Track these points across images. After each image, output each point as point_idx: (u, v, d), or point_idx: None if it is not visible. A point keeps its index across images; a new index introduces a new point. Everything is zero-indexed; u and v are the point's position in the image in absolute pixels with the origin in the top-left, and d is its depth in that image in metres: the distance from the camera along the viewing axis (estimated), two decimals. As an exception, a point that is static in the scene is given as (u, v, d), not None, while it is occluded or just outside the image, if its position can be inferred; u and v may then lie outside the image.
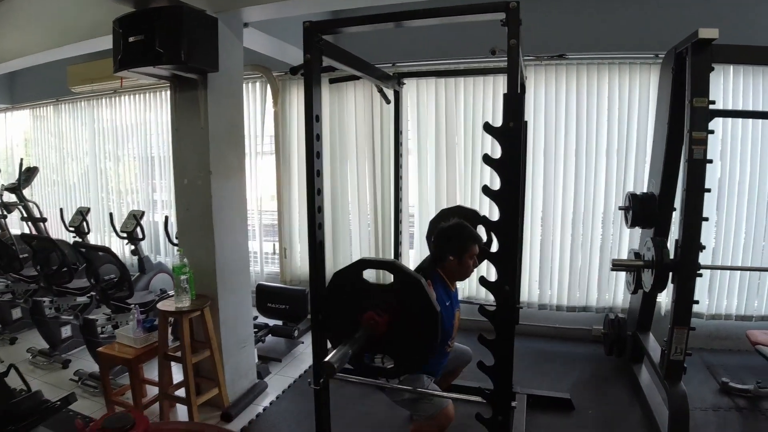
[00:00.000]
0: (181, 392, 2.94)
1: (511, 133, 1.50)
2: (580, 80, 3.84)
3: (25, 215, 5.15)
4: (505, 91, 1.50)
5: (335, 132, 4.54)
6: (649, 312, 3.38)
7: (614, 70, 3.77)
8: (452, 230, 2.33)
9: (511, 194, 1.53)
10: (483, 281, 1.61)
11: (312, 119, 1.76)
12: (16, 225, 5.73)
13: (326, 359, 1.45)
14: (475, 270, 2.35)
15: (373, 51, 4.11)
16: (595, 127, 3.86)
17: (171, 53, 2.40)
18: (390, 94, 3.12)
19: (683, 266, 2.68)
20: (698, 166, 2.61)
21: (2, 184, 5.34)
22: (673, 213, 3.11)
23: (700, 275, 2.70)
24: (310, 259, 1.83)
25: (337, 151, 4.57)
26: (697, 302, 2.74)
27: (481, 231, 2.52)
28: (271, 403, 3.15)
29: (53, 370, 3.65)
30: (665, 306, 3.75)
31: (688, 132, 2.64)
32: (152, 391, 3.10)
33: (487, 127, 1.55)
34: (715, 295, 3.79)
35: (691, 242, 2.67)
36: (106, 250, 3.37)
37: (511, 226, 1.54)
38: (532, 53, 3.79)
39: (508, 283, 1.56)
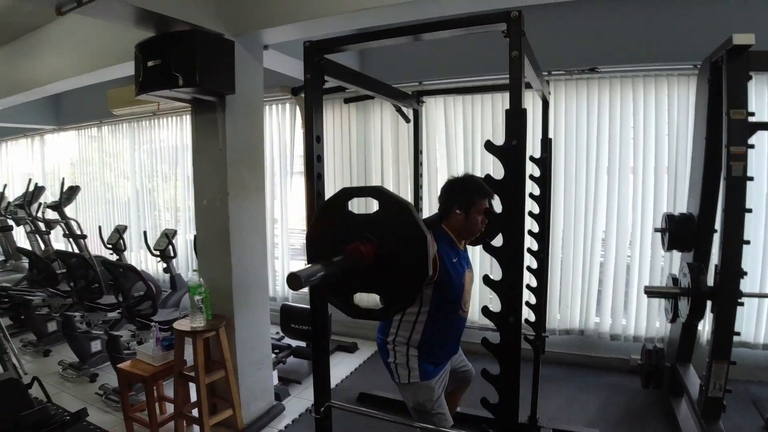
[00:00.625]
0: (197, 411, 2.92)
1: (514, 152, 1.40)
2: (613, 94, 3.67)
3: (67, 232, 5.36)
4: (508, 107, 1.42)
5: (361, 151, 4.52)
6: (689, 342, 3.14)
7: (650, 82, 3.58)
8: (458, 181, 2.16)
9: (514, 218, 1.43)
10: (486, 312, 1.51)
11: (312, 140, 1.72)
12: (59, 242, 5.99)
13: (293, 270, 1.27)
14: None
15: (396, 70, 4.12)
16: (630, 143, 3.67)
17: (186, 77, 2.43)
18: (410, 113, 3.07)
19: (722, 294, 2.48)
20: (737, 184, 2.43)
21: (45, 202, 5.59)
22: (715, 235, 2.89)
23: (741, 304, 2.49)
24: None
25: (363, 170, 4.54)
26: (738, 334, 2.53)
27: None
28: (286, 427, 3.09)
29: (81, 384, 3.73)
30: (706, 334, 3.47)
31: (726, 147, 2.46)
32: (171, 408, 3.11)
33: (489, 146, 1.46)
34: (763, 323, 3.48)
35: (731, 267, 2.47)
36: (131, 268, 3.44)
37: (514, 252, 1.43)
38: (562, 67, 3.66)
39: (513, 314, 1.45)
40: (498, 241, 1.45)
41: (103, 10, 2.34)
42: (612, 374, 3.74)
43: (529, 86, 1.43)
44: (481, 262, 3.92)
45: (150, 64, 2.50)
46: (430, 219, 2.22)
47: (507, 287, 1.45)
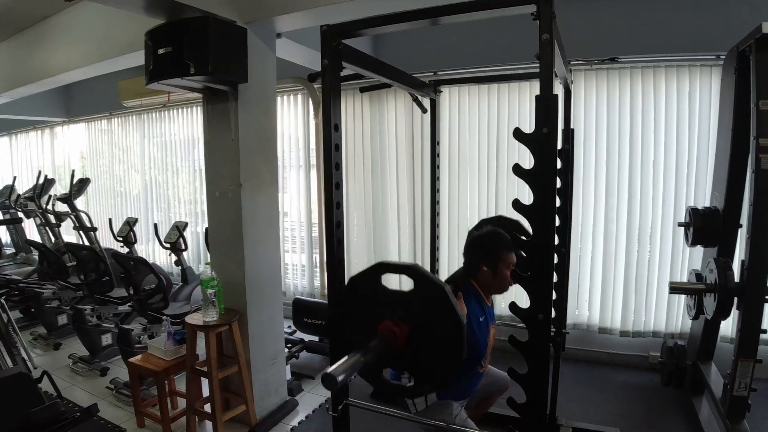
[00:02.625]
0: (210, 407, 2.89)
1: (545, 140, 1.33)
2: (634, 85, 3.56)
3: (77, 225, 5.34)
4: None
5: (376, 142, 4.45)
6: (711, 339, 3.05)
7: (671, 73, 3.48)
8: (484, 238, 2.13)
9: (544, 210, 1.36)
10: (513, 308, 1.44)
11: (330, 128, 1.66)
12: (69, 234, 5.98)
13: (329, 369, 1.26)
14: (510, 290, 2.15)
15: (413, 60, 4.04)
16: (651, 135, 3.56)
17: (198, 64, 2.37)
18: (426, 102, 2.99)
19: (750, 291, 2.40)
20: (767, 177, 2.35)
21: (55, 195, 5.58)
22: (739, 230, 2.80)
23: (768, 301, 2.42)
24: (328, 273, 1.73)
25: (378, 161, 4.47)
26: (764, 331, 2.45)
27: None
28: (300, 423, 3.05)
29: (91, 378, 3.70)
30: (729, 332, 3.37)
31: (755, 139, 2.39)
32: (183, 403, 3.07)
33: (518, 134, 1.39)
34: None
35: (759, 263, 2.39)
36: (141, 261, 3.40)
37: (544, 246, 1.36)
38: (582, 57, 3.56)
39: (542, 311, 1.39)
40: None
41: (113, -3, 2.29)
42: (630, 371, 3.66)
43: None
44: None
45: (161, 52, 2.43)
46: (457, 274, 2.23)
47: (537, 283, 1.38)
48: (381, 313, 1.42)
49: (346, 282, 1.81)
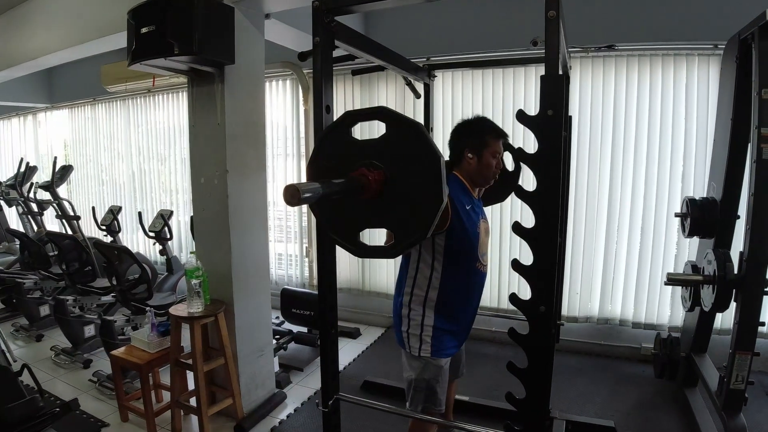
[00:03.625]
0: (195, 400, 2.80)
1: (550, 122, 1.26)
2: (630, 73, 3.50)
3: (59, 213, 5.19)
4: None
5: (365, 127, 4.34)
6: (706, 332, 3.02)
7: (668, 62, 3.42)
8: (469, 123, 2.00)
9: (549, 197, 1.29)
10: (513, 299, 1.37)
11: (321, 110, 1.57)
12: (52, 223, 5.83)
13: (292, 183, 1.10)
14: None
15: (406, 45, 3.94)
16: (647, 124, 3.51)
17: (182, 44, 2.25)
18: (420, 87, 2.91)
19: (749, 283, 2.36)
20: (768, 168, 2.29)
21: (37, 182, 5.41)
22: (737, 221, 2.76)
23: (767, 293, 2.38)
24: (318, 263, 1.65)
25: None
26: (763, 324, 2.43)
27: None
28: (288, 416, 2.98)
29: (74, 370, 3.60)
30: (720, 324, 3.35)
31: (756, 128, 2.33)
32: (168, 396, 2.98)
33: (521, 116, 1.31)
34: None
35: (759, 255, 2.35)
36: (125, 250, 3.29)
37: (548, 235, 1.29)
38: (578, 44, 3.48)
39: (544, 303, 1.32)
40: (530, 222, 1.31)
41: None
42: (623, 363, 3.64)
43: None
44: (511, 246, 3.78)
45: (143, 31, 2.32)
46: None
47: (539, 273, 1.32)
48: (354, 164, 1.27)
49: (335, 274, 1.74)
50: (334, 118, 1.51)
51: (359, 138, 1.32)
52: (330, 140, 1.37)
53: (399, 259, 2.00)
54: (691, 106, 3.40)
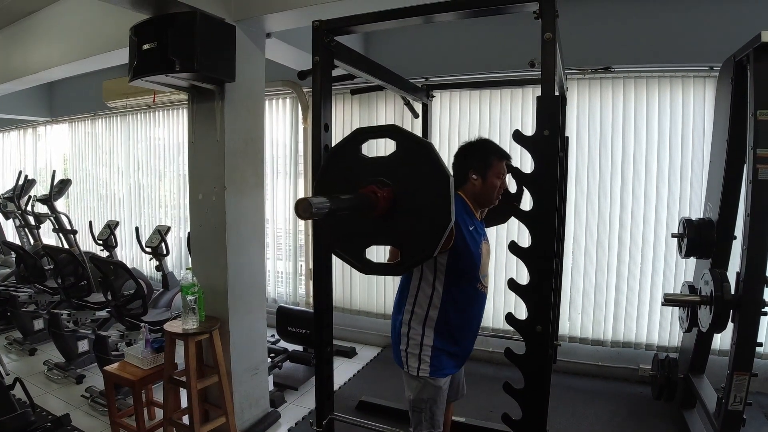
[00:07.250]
0: (188, 418, 2.76)
1: (547, 143, 1.27)
2: (627, 95, 3.55)
3: (56, 227, 5.18)
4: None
5: (364, 147, 4.37)
6: (703, 352, 3.00)
7: (665, 83, 3.46)
8: (475, 144, 2.00)
9: (545, 217, 1.29)
10: (510, 319, 1.37)
11: (320, 128, 1.58)
12: (49, 237, 5.81)
13: (304, 197, 1.11)
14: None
15: (405, 66, 3.98)
16: (644, 145, 3.54)
17: (183, 61, 2.28)
18: (418, 107, 2.93)
19: (746, 303, 2.35)
20: (764, 188, 2.32)
21: (35, 195, 5.41)
22: (733, 242, 2.77)
23: (765, 314, 2.37)
24: (315, 280, 1.65)
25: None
26: (760, 345, 2.42)
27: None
28: (281, 436, 2.94)
29: (67, 385, 3.56)
30: (719, 345, 3.34)
31: (752, 149, 2.36)
32: (161, 414, 2.95)
33: (518, 137, 1.33)
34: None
35: (756, 275, 2.35)
36: (121, 265, 3.28)
37: (545, 254, 1.29)
38: (575, 66, 3.52)
39: (541, 323, 1.32)
40: (526, 241, 1.31)
41: (97, -11, 2.19)
42: (620, 384, 3.61)
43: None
44: (507, 265, 3.76)
45: (145, 47, 2.34)
46: None
47: (535, 292, 1.31)
48: (363, 180, 1.29)
49: (331, 292, 1.73)
50: (333, 137, 1.52)
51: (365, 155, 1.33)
52: (339, 156, 1.38)
53: (397, 278, 1.99)
54: (687, 128, 3.44)
